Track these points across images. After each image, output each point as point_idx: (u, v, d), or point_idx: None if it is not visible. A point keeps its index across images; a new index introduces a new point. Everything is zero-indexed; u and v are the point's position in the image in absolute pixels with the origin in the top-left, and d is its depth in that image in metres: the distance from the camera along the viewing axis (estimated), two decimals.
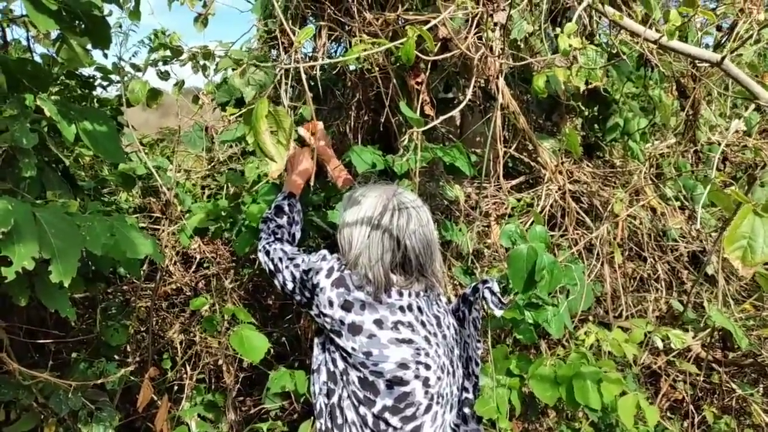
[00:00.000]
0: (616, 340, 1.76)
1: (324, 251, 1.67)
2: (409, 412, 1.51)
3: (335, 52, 2.68)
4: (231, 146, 3.17)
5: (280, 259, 1.76)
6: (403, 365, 1.50)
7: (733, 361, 2.31)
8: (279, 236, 1.88)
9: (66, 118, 1.63)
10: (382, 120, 2.66)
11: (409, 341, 1.53)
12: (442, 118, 1.77)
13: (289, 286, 1.72)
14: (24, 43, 2.27)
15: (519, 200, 2.40)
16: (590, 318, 2.47)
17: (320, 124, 2.21)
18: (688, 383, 2.64)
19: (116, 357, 2.67)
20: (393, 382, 1.50)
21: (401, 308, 1.56)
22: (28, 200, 1.32)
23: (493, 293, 1.59)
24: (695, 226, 2.58)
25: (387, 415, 1.51)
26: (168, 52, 2.44)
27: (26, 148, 1.40)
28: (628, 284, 2.60)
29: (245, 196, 2.52)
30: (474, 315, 1.68)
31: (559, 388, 1.67)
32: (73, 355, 2.51)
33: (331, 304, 1.54)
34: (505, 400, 1.76)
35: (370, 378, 1.51)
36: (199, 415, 2.57)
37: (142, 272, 2.90)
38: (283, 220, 1.93)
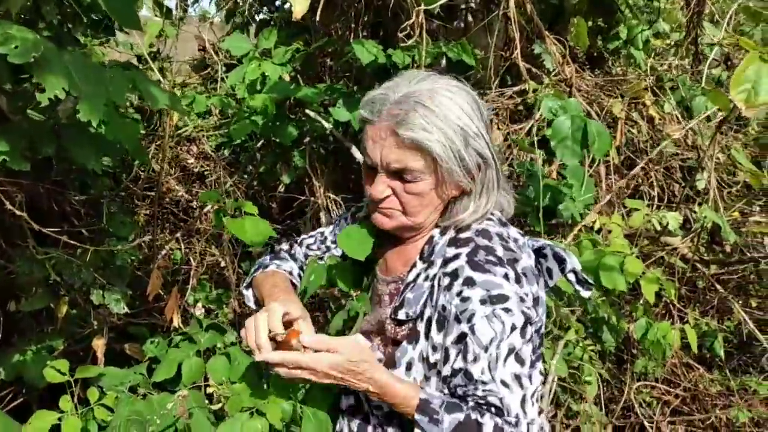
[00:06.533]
0: (617, 224, 1.83)
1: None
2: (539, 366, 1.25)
3: None
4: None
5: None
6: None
7: (719, 260, 2.42)
8: None
9: None
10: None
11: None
12: None
13: None
14: None
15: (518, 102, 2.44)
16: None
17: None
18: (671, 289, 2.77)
19: None
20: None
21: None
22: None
23: (576, 274, 1.28)
24: (692, 136, 2.65)
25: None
26: None
27: None
28: (622, 192, 2.68)
29: (246, 95, 2.51)
30: None
31: None
32: (79, 251, 2.55)
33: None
34: None
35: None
36: (204, 307, 2.65)
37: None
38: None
